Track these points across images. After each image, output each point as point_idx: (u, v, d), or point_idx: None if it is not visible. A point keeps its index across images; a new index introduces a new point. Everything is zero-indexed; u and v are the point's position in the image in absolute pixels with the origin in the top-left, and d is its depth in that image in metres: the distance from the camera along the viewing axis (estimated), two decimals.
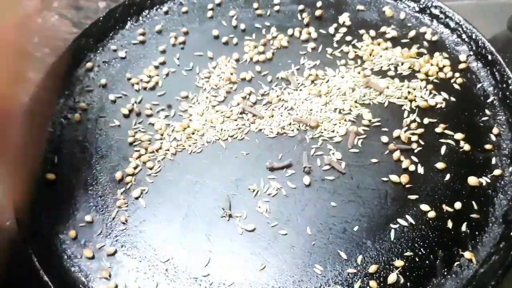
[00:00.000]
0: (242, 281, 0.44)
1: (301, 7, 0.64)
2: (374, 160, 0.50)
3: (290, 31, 0.62)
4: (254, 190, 0.49)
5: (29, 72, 0.74)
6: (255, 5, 0.65)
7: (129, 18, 0.65)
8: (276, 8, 0.65)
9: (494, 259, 0.43)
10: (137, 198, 0.50)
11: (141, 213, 0.49)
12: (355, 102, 0.55)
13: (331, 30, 0.62)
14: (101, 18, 0.63)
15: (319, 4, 0.64)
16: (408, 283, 0.43)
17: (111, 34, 0.64)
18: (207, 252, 0.46)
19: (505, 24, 0.73)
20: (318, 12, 0.63)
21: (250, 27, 0.63)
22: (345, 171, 0.50)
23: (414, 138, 0.52)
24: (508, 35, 0.72)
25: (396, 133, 0.52)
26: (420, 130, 0.52)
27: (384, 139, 0.52)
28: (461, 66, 0.57)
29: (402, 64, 0.57)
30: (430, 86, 0.55)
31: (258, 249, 0.46)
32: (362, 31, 0.61)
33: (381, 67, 0.58)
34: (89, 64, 0.61)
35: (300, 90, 0.56)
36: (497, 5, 0.81)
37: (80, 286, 0.45)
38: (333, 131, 0.53)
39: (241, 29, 0.63)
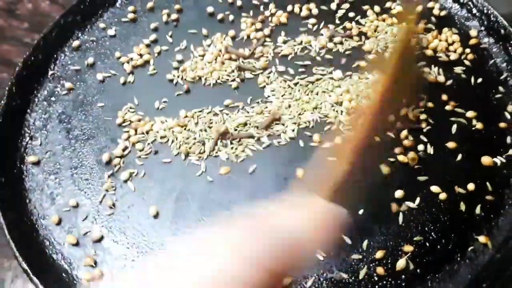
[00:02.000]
0: None
1: None
2: (380, 140, 0.47)
3: (289, 8, 0.59)
4: (251, 173, 0.46)
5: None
6: None
7: None
8: None
9: (511, 243, 0.40)
10: (125, 181, 0.47)
11: (129, 197, 0.46)
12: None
13: (333, 6, 0.59)
14: None
15: None
16: (418, 270, 0.40)
17: (100, 12, 0.60)
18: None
19: None
20: None
21: (247, 3, 0.60)
22: None
23: (423, 116, 0.48)
24: None
25: (403, 111, 0.48)
26: (430, 105, 0.48)
27: (391, 117, 0.48)
28: (472, 41, 0.53)
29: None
30: (438, 63, 0.52)
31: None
32: (366, 7, 0.58)
33: (386, 43, 0.54)
34: (76, 43, 0.57)
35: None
36: None
37: (63, 274, 0.41)
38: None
39: (237, 5, 0.60)
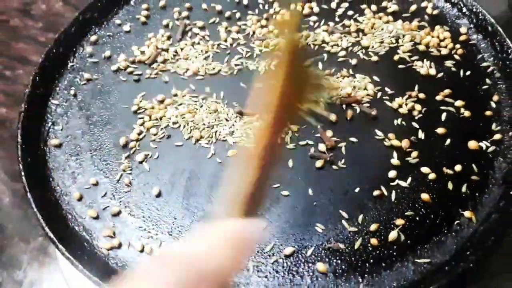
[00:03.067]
0: None
1: None
2: (376, 126, 0.51)
3: (292, 6, 0.63)
4: None
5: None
6: None
7: None
8: None
9: (493, 217, 0.44)
10: (141, 162, 0.51)
11: (144, 176, 0.50)
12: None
13: (333, 5, 0.63)
14: None
15: None
16: (409, 241, 0.44)
17: (115, 9, 0.64)
18: (209, 213, 0.47)
19: (505, 4, 0.74)
20: None
21: (253, 2, 0.64)
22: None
23: (417, 106, 0.52)
24: (508, 15, 0.73)
25: (398, 100, 0.52)
26: (422, 96, 0.52)
27: (387, 106, 0.52)
28: (462, 38, 0.57)
29: (404, 36, 0.58)
30: (430, 57, 0.56)
31: (261, 210, 0.46)
32: (363, 6, 0.62)
33: (383, 39, 0.58)
34: (93, 37, 0.61)
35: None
36: None
37: (85, 244, 0.45)
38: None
39: (244, 4, 0.64)
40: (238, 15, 0.63)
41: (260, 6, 0.63)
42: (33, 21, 0.82)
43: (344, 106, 0.53)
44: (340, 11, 0.62)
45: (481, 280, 0.45)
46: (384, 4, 0.62)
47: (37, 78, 0.55)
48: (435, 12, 0.60)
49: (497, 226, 0.43)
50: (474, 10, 0.58)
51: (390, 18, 0.60)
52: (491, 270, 0.45)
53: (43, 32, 0.80)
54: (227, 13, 0.63)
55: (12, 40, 0.78)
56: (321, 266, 0.43)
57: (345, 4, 0.62)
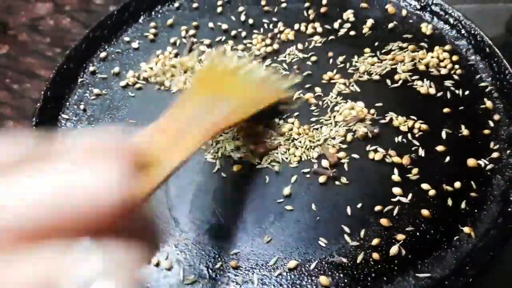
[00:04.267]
0: (249, 252, 0.46)
1: (307, 4, 0.67)
2: (377, 143, 0.52)
3: (296, 26, 0.65)
4: (259, 169, 0.51)
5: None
6: (263, 2, 0.68)
7: (142, 13, 0.68)
8: (283, 5, 0.68)
9: (492, 233, 0.45)
10: None
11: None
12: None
13: (336, 25, 0.65)
14: (115, 12, 0.66)
15: (324, 1, 0.67)
16: (409, 255, 0.45)
17: (124, 27, 0.66)
18: (215, 225, 0.48)
19: (502, 27, 0.76)
20: (323, 9, 0.66)
21: (258, 22, 0.66)
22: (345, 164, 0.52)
23: (417, 125, 0.54)
24: (506, 37, 0.75)
25: (399, 119, 0.54)
26: (422, 114, 0.54)
27: (388, 124, 0.54)
28: (460, 58, 0.59)
29: (404, 56, 0.60)
30: (430, 77, 0.58)
31: (265, 224, 0.48)
32: (365, 29, 0.64)
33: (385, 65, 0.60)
34: (103, 54, 0.63)
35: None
36: (495, 10, 0.84)
37: None
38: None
39: (249, 23, 0.66)
40: (243, 34, 0.65)
41: (265, 25, 0.65)
42: (41, 36, 0.84)
43: (348, 124, 0.54)
44: (342, 31, 0.64)
45: None
46: (385, 23, 0.64)
47: (48, 93, 0.57)
48: (435, 33, 0.62)
49: (496, 242, 0.44)
50: (473, 32, 0.60)
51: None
52: (490, 285, 0.46)
53: (51, 47, 0.83)
54: (233, 32, 0.65)
55: (20, 54, 0.80)
56: (323, 280, 0.44)
57: (347, 25, 0.64)
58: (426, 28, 0.63)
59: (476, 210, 0.47)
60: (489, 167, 0.50)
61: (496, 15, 0.79)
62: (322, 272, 0.44)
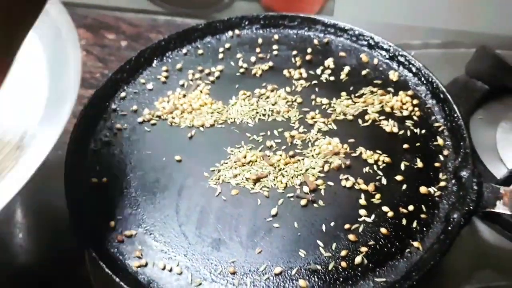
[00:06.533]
0: (244, 261, 0.57)
1: (294, 52, 0.80)
2: (348, 173, 0.64)
3: (285, 72, 0.78)
4: (253, 193, 0.63)
5: None
6: (258, 50, 0.81)
7: (155, 58, 0.80)
8: (275, 52, 0.80)
9: (435, 247, 0.57)
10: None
11: (165, 210, 0.63)
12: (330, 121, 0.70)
13: (318, 71, 0.77)
14: (133, 58, 0.78)
15: (309, 50, 0.80)
16: (370, 264, 0.56)
17: (140, 70, 0.79)
18: (217, 239, 0.60)
19: (463, 70, 0.89)
20: (308, 57, 0.79)
21: (251, 66, 0.79)
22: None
23: (381, 158, 0.66)
24: (465, 79, 0.87)
25: (367, 153, 0.66)
26: (386, 149, 0.66)
27: (358, 157, 0.66)
28: (420, 102, 0.72)
29: (374, 100, 0.72)
30: (394, 117, 0.70)
31: (257, 238, 0.59)
32: (342, 74, 0.77)
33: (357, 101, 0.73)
34: (122, 94, 0.75)
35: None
36: (457, 53, 0.97)
37: (119, 262, 0.58)
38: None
39: (244, 68, 0.78)
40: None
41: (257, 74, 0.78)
42: None
43: (326, 157, 0.66)
44: (323, 77, 0.76)
45: None
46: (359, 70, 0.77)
47: (76, 131, 0.69)
48: (400, 79, 0.75)
49: (437, 253, 0.56)
50: (430, 80, 0.73)
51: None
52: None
53: None
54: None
55: None
56: (302, 283, 0.55)
57: (328, 71, 0.77)
58: (393, 75, 0.75)
59: (424, 229, 0.59)
60: (437, 193, 0.62)
61: (457, 59, 0.92)
62: (301, 276, 0.56)
